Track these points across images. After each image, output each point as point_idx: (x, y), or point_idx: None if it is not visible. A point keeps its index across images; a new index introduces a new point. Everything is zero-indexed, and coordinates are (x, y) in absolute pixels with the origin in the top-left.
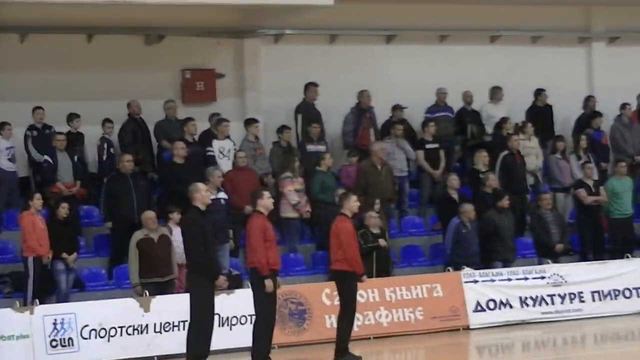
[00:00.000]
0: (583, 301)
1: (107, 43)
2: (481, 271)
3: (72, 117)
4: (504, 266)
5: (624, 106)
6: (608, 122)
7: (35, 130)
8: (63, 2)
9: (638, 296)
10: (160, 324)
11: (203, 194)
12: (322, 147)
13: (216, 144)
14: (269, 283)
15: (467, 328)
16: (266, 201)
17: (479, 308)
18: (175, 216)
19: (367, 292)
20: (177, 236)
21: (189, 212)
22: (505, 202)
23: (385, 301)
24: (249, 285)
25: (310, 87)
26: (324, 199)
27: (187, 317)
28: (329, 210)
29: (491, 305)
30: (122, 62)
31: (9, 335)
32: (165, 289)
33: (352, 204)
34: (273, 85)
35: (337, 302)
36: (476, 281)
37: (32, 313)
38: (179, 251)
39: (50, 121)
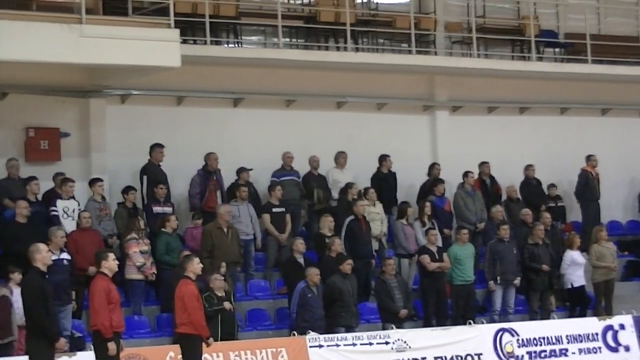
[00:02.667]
0: None
1: None
2: (326, 336)
3: None
4: (347, 331)
5: (466, 174)
6: (451, 190)
7: None
8: None
9: None
10: None
11: (44, 255)
12: (168, 209)
13: (60, 204)
14: (111, 346)
15: None
16: (110, 263)
17: None
18: (17, 276)
19: (212, 355)
20: (17, 297)
21: (29, 272)
22: (346, 266)
23: None
24: (92, 347)
25: (156, 148)
26: (169, 261)
27: None
28: (173, 272)
29: None
30: None
31: None
32: (4, 351)
33: (195, 266)
34: (119, 146)
35: None
36: (321, 346)
37: None
38: (19, 312)
39: None
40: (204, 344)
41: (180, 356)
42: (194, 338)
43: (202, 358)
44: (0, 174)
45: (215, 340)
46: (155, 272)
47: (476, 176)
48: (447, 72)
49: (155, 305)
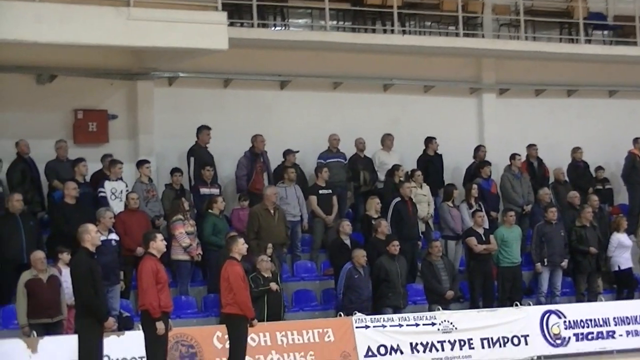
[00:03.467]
0: (472, 348)
1: None
2: (372, 317)
3: None
4: (395, 312)
5: (513, 157)
6: (497, 172)
7: None
8: None
9: (526, 343)
10: None
11: (93, 235)
12: (215, 190)
13: (108, 185)
14: (160, 325)
15: None
16: (158, 243)
17: (370, 353)
18: (65, 257)
19: (258, 335)
20: (66, 277)
21: (78, 253)
22: (394, 248)
23: (277, 345)
24: (140, 327)
25: (203, 130)
26: (216, 242)
27: (76, 359)
28: (220, 253)
29: (382, 350)
30: (12, 101)
31: None
32: (54, 330)
33: (240, 247)
34: (166, 128)
35: (228, 345)
36: (367, 327)
37: None
38: (68, 292)
39: None
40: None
41: (227, 336)
42: (239, 318)
43: (249, 338)
44: (50, 156)
45: (262, 320)
46: (202, 253)
47: (523, 159)
48: (495, 55)
49: (202, 286)
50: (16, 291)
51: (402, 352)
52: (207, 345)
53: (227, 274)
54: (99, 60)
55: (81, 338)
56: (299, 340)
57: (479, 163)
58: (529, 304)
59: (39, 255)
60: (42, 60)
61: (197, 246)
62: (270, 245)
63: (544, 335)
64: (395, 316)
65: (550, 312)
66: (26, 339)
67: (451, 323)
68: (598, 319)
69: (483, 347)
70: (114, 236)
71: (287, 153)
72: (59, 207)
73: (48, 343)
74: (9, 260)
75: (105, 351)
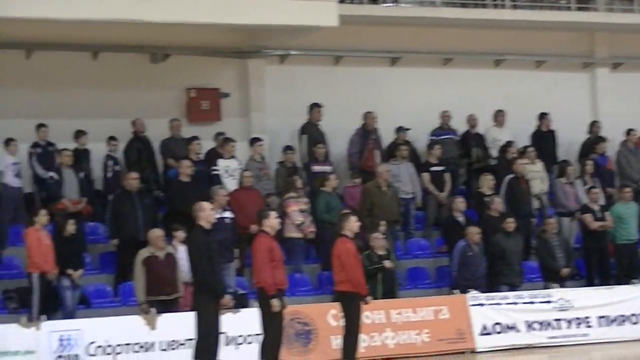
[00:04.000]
0: (590, 326)
1: (112, 61)
2: (487, 294)
3: (79, 134)
4: (510, 290)
5: (629, 132)
6: (613, 148)
7: (39, 147)
8: (69, 20)
9: None
10: (167, 341)
11: (208, 213)
12: (327, 168)
13: (222, 163)
14: (275, 303)
15: (473, 351)
16: (273, 221)
17: (485, 331)
18: (181, 234)
19: (373, 313)
20: (182, 254)
21: (194, 230)
22: (510, 224)
23: (391, 323)
24: (255, 304)
25: (315, 107)
26: (330, 220)
27: (193, 336)
28: (333, 231)
29: (497, 328)
30: (127, 80)
31: (15, 351)
32: (170, 307)
33: (352, 224)
34: (277, 106)
35: (342, 323)
36: (482, 304)
37: (38, 329)
38: (185, 269)
39: (53, 138)
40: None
41: (342, 314)
42: (353, 296)
43: (363, 316)
44: (164, 134)
45: (375, 298)
46: (314, 231)
47: (639, 134)
48: (608, 29)
49: (316, 264)
50: (134, 269)
51: (517, 331)
52: (321, 323)
53: (339, 251)
54: (211, 38)
55: (198, 315)
56: (413, 317)
57: (594, 139)
58: None
59: (157, 233)
60: (156, 39)
61: (310, 224)
62: (383, 222)
63: None
64: (511, 294)
65: None
66: (144, 315)
67: (567, 301)
68: None
69: (600, 326)
70: (228, 214)
71: (399, 130)
72: (174, 185)
73: (166, 320)
74: (126, 237)
75: (222, 328)
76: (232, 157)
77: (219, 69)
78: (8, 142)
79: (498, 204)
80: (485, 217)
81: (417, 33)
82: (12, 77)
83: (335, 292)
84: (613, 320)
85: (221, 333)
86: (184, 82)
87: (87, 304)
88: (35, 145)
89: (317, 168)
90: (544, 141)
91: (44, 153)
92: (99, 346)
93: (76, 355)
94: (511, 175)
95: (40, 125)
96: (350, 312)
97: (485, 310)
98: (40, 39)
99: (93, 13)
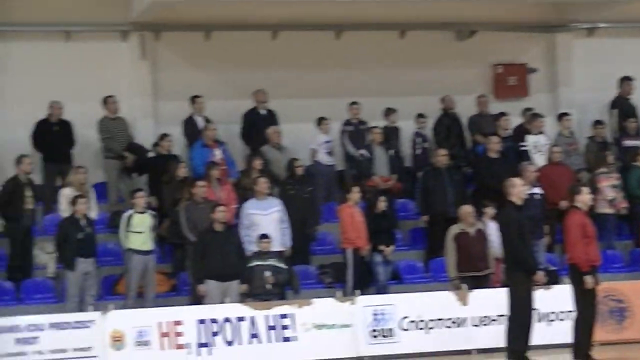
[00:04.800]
0: None
1: (419, 39)
2: None
3: (389, 112)
4: None
5: None
6: None
7: (351, 125)
8: None
9: None
10: (479, 317)
11: (519, 189)
12: (639, 142)
13: (530, 139)
14: (588, 279)
15: None
16: (585, 197)
17: None
18: (490, 211)
19: None
20: (492, 230)
21: (506, 207)
22: None
23: None
24: (567, 281)
25: (625, 81)
26: None
27: (505, 312)
28: None
29: None
30: (434, 57)
31: (332, 324)
32: (481, 283)
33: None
34: (586, 80)
35: None
36: None
37: (353, 303)
38: (495, 246)
39: (364, 116)
40: None
41: None
42: None
43: None
44: (471, 111)
45: None
46: (627, 206)
47: None
48: None
49: (629, 240)
50: (445, 245)
51: None
52: (636, 300)
53: None
54: (518, 14)
55: (511, 291)
56: None
57: None
58: None
59: (468, 209)
60: (462, 16)
61: (623, 199)
62: None
63: None
64: None
65: None
66: (457, 291)
67: None
68: None
69: None
70: (537, 190)
71: None
72: (482, 161)
73: (477, 296)
74: (436, 214)
75: (534, 305)
76: (541, 132)
77: (526, 44)
78: (320, 120)
79: None
80: None
81: None
82: (323, 58)
83: None
84: None
85: (534, 309)
86: (490, 58)
87: (399, 279)
88: (347, 123)
89: (628, 142)
90: None
91: (356, 131)
92: (412, 321)
93: (390, 330)
94: None
95: (353, 103)
96: None
97: None
98: (355, 19)
99: None
